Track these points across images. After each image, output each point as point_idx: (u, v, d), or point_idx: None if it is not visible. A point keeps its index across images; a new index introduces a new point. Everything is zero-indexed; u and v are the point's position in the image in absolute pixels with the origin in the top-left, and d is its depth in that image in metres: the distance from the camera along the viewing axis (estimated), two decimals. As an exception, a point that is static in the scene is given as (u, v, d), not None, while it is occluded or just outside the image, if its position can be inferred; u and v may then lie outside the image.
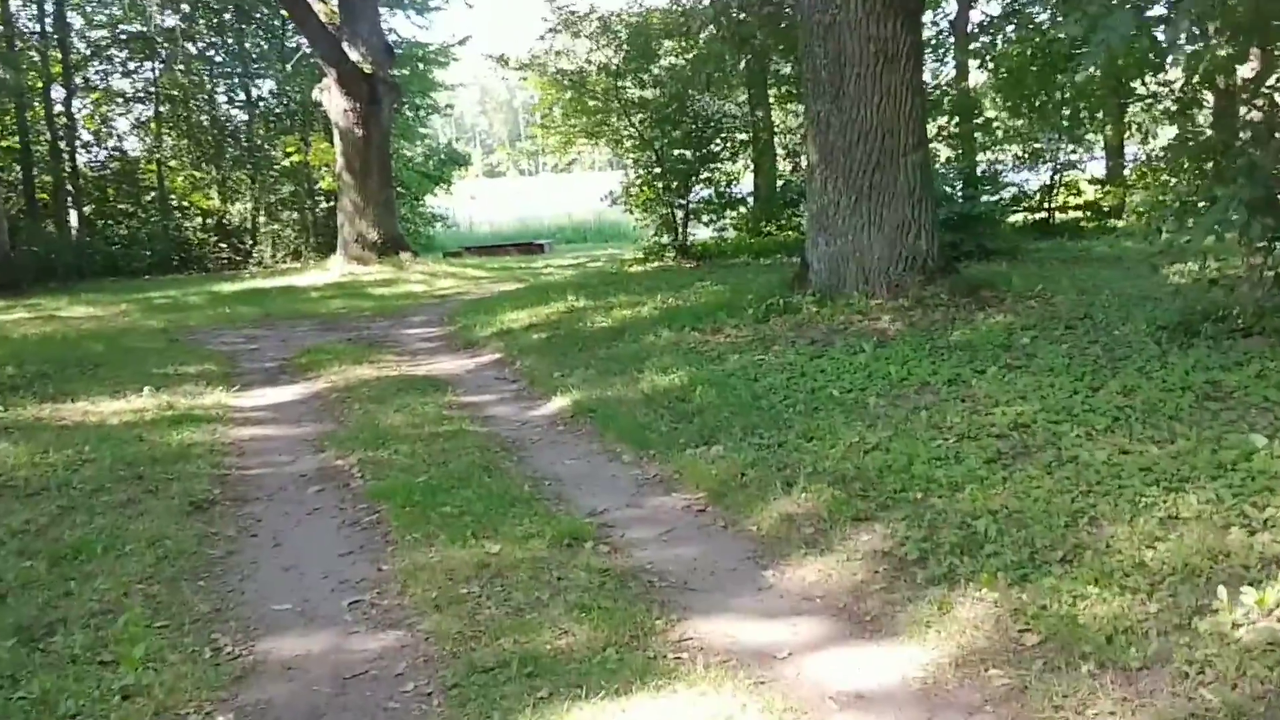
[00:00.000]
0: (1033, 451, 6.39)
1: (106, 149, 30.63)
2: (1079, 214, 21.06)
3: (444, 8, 33.04)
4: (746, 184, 23.62)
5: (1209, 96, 24.16)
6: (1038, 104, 21.13)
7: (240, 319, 17.24)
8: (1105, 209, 22.19)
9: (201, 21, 30.86)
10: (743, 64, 21.54)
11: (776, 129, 22.81)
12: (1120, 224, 21.03)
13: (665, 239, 20.74)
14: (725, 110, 22.04)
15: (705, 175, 20.65)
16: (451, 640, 4.70)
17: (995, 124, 21.07)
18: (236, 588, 5.61)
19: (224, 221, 30.78)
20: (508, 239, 34.09)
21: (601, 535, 5.99)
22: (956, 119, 21.22)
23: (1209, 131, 22.52)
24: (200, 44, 31.22)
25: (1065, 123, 20.28)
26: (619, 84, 19.97)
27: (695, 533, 6.06)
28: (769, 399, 8.22)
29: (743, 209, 22.11)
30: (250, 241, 30.76)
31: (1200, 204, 18.06)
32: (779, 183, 22.41)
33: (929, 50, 21.41)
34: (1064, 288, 11.49)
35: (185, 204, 30.77)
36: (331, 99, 22.81)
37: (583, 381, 9.83)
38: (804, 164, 11.68)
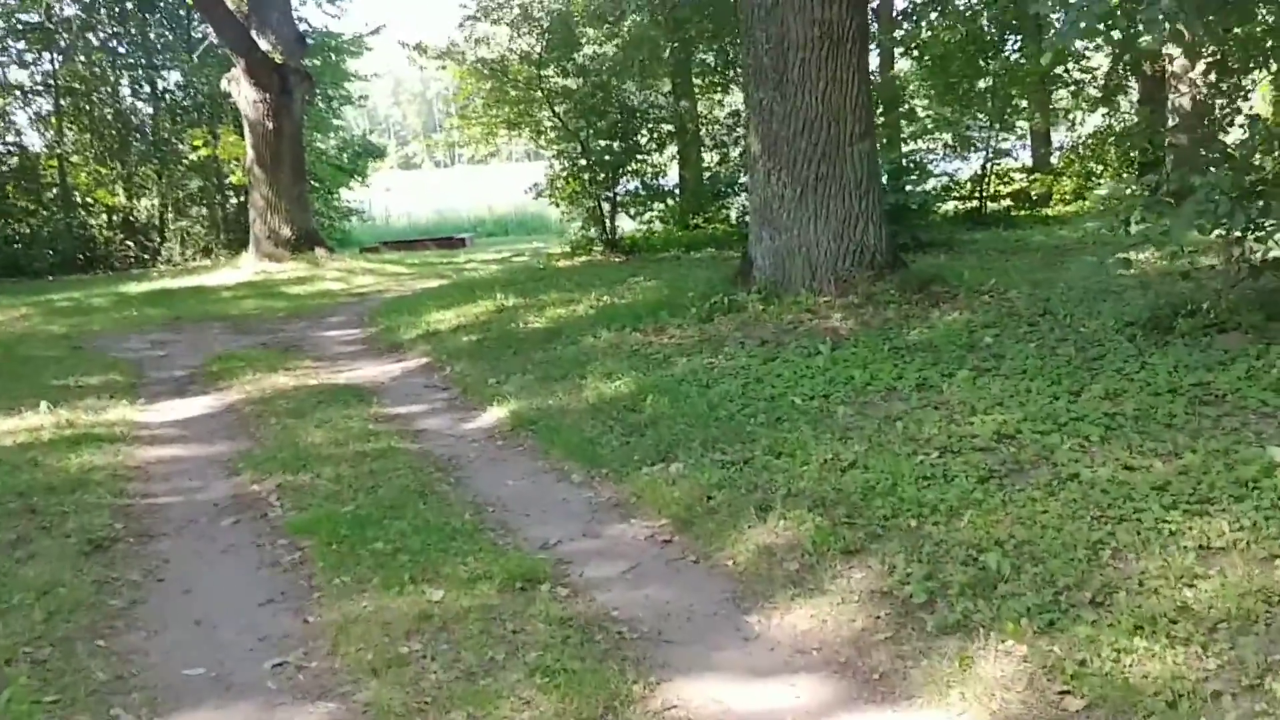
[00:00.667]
0: (1026, 468, 5.80)
1: (4, 144, 29.20)
2: (1008, 203, 20.66)
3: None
4: (672, 176, 22.93)
5: (1133, 83, 24.05)
6: (962, 91, 20.76)
7: (148, 322, 16.26)
8: (1034, 197, 21.87)
9: (103, 10, 29.52)
10: (668, 52, 20.88)
11: (702, 119, 22.08)
12: (1050, 212, 20.71)
13: (592, 232, 20.01)
14: (651, 100, 21.35)
15: (632, 167, 19.94)
16: (393, 715, 3.99)
17: (925, 113, 20.62)
18: (140, 648, 4.83)
19: (130, 218, 29.50)
20: (426, 233, 33.15)
21: (558, 574, 5.31)
22: (882, 108, 20.70)
23: (1135, 118, 22.39)
24: (102, 34, 29.88)
25: (992, 108, 19.88)
26: (541, 73, 19.21)
27: (663, 569, 5.38)
28: (726, 408, 7.57)
29: (670, 201, 21.40)
30: (158, 239, 29.55)
31: (1133, 191, 17.75)
32: (705, 175, 21.71)
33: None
34: (1016, 281, 10.98)
35: (89, 201, 29.38)
36: (241, 90, 21.80)
37: (520, 389, 9.12)
38: (746, 154, 10.95)
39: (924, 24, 22.27)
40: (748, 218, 11.26)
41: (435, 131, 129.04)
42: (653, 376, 8.65)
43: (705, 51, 21.70)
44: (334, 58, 30.73)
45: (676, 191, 22.52)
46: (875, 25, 22.59)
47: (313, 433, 8.37)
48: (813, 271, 10.42)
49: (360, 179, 33.02)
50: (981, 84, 21.70)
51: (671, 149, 21.77)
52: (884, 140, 21.24)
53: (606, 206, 19.86)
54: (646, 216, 21.25)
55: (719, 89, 23.37)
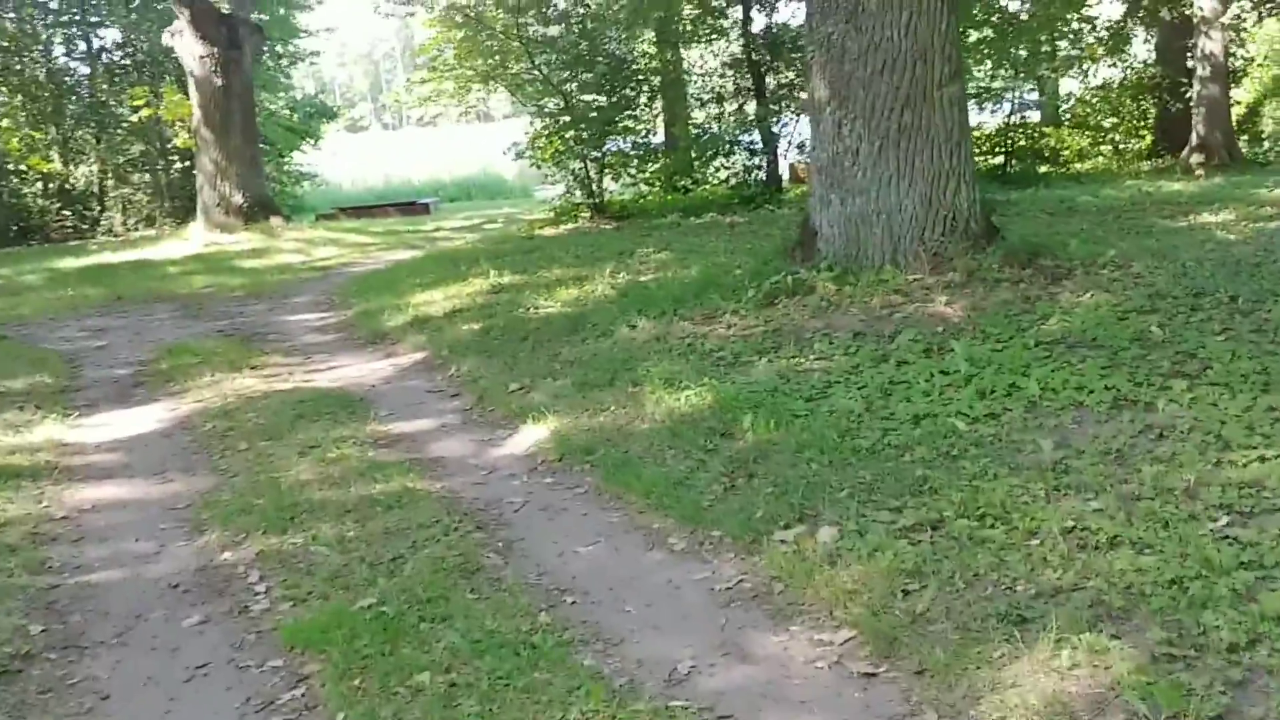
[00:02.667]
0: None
1: (-72, 108, 26.61)
2: (1032, 160, 18.72)
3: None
4: (657, 135, 20.79)
5: (1141, 31, 22.20)
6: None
7: (85, 304, 14.04)
8: (1045, 153, 19.97)
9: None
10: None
11: (693, 71, 19.85)
12: (1082, 167, 18.83)
13: (578, 196, 17.87)
14: (639, 50, 19.21)
15: (623, 124, 17.83)
16: None
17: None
18: None
19: (67, 186, 27.03)
20: (385, 198, 30.81)
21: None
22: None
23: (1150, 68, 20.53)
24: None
25: (1015, 59, 17.93)
26: (520, 20, 17.00)
27: (889, 737, 3.38)
28: (862, 435, 5.55)
29: (664, 161, 19.21)
30: (98, 208, 27.14)
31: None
32: (696, 133, 19.56)
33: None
34: (1129, 251, 9.00)
35: (22, 168, 26.82)
36: (185, 44, 19.42)
37: (556, 399, 7.08)
38: (808, 101, 8.83)
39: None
40: (810, 178, 9.17)
41: (381, 93, 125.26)
42: (732, 385, 6.61)
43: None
44: (282, 11, 28.20)
45: (661, 151, 20.33)
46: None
47: (297, 464, 6.30)
48: (895, 243, 8.40)
49: (313, 141, 30.57)
50: (975, 35, 19.76)
51: (658, 105, 19.60)
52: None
53: (594, 168, 17.69)
54: (634, 180, 19.08)
55: (706, 38, 21.03)
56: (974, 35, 19.44)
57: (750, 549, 4.64)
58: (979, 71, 18.68)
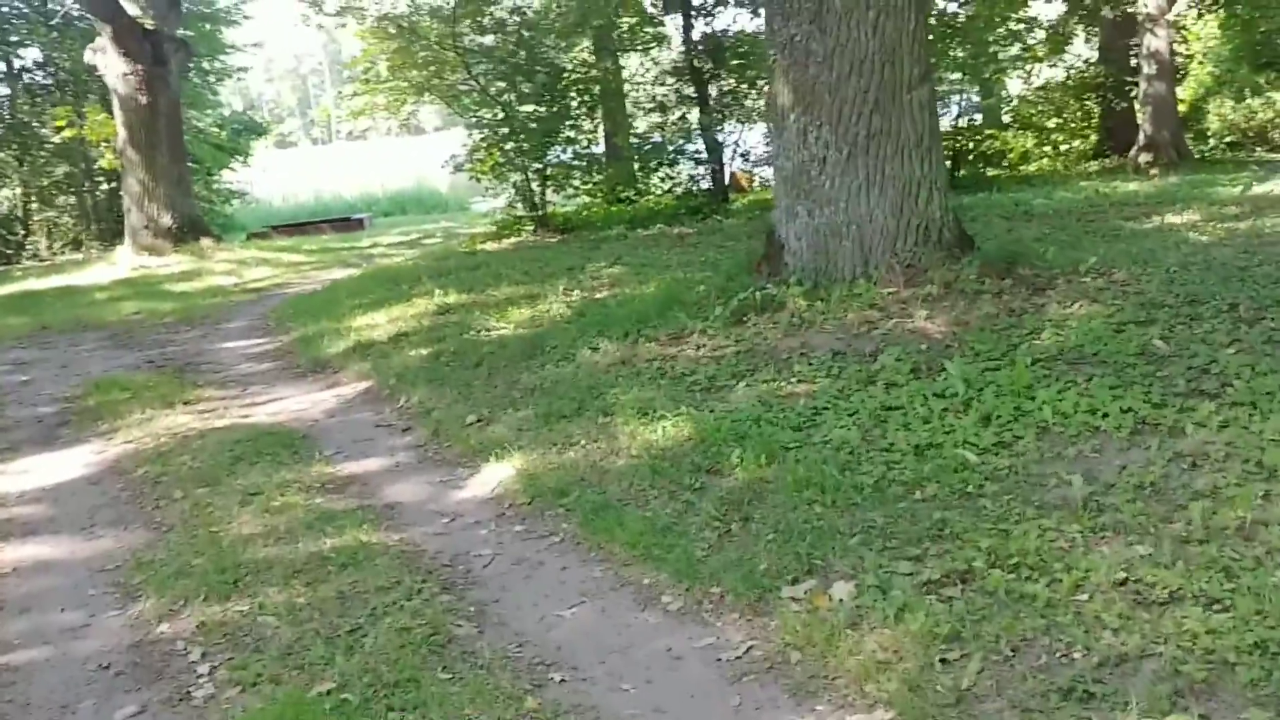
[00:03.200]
0: None
1: None
2: (975, 164, 18.37)
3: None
4: (596, 146, 20.20)
5: (1082, 30, 22.00)
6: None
7: (8, 334, 13.24)
8: (991, 156, 19.64)
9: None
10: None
11: (634, 80, 19.25)
12: (1031, 169, 18.52)
13: (519, 209, 17.27)
14: (577, 59, 18.66)
15: (565, 135, 17.27)
16: None
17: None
18: None
19: (-13, 210, 26.03)
20: (317, 214, 29.95)
21: None
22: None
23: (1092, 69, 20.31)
24: (-54, 9, 26.20)
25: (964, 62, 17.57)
26: (455, 29, 16.37)
27: None
28: (860, 470, 5.04)
29: (603, 172, 18.62)
30: (21, 232, 26.12)
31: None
32: (637, 143, 19.02)
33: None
34: (1109, 257, 8.58)
35: (-60, 193, 25.85)
36: (108, 61, 18.59)
37: (520, 431, 6.51)
38: (769, 108, 8.30)
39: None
40: (775, 187, 8.64)
41: (310, 108, 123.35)
42: (710, 413, 6.08)
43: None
44: (208, 27, 27.31)
45: (602, 161, 19.74)
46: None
47: (239, 515, 5.69)
48: (866, 255, 7.91)
49: (242, 159, 29.66)
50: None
51: (598, 115, 19.04)
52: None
53: (535, 180, 17.11)
54: (570, 190, 18.50)
55: (645, 46, 20.43)
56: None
57: (757, 609, 4.12)
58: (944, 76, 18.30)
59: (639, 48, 19.71)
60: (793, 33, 7.95)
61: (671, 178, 17.81)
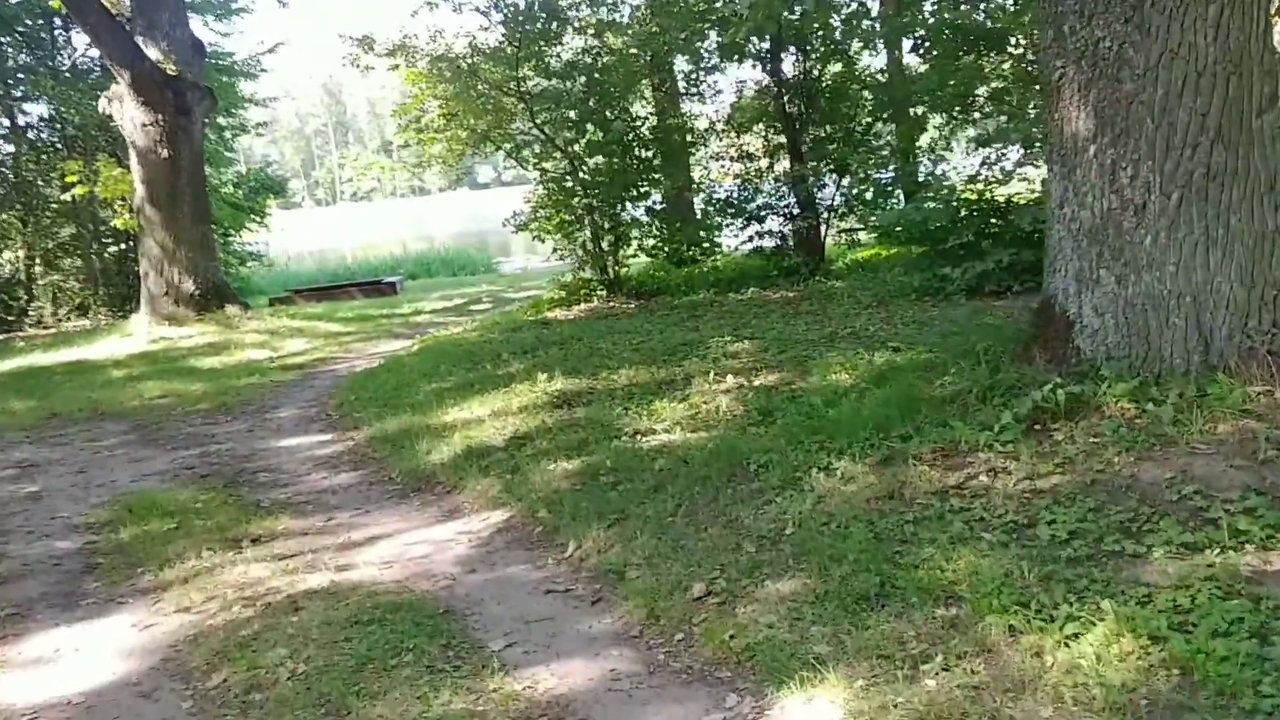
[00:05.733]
0: None
1: None
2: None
3: (251, 10, 25.95)
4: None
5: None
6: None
7: (11, 424, 10.92)
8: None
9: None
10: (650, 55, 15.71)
11: (714, 127, 16.73)
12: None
13: (587, 273, 14.95)
14: (646, 105, 16.42)
15: (642, 189, 15.01)
16: None
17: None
18: None
19: (-11, 274, 23.65)
20: (338, 278, 27.60)
21: None
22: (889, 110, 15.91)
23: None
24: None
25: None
26: (518, 73, 14.12)
27: None
28: None
29: (671, 229, 16.21)
30: (24, 297, 23.71)
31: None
32: (710, 194, 16.63)
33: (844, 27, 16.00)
34: None
35: (-60, 255, 23.49)
36: (126, 111, 16.31)
37: (795, 623, 4.19)
38: (1054, 139, 5.92)
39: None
40: (1053, 243, 6.28)
41: (314, 168, 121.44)
42: (1141, 606, 3.72)
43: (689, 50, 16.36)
44: (225, 79, 25.03)
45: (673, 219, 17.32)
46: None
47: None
48: (1206, 337, 5.61)
49: (259, 219, 27.30)
50: (983, 90, 17.30)
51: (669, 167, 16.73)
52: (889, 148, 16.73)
53: (606, 240, 14.81)
54: (632, 250, 16.10)
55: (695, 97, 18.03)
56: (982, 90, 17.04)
57: None
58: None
59: (699, 94, 17.37)
60: (1098, 36, 5.68)
61: (760, 234, 15.42)
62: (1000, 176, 12.72)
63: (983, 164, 13.56)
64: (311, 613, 4.90)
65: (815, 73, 15.09)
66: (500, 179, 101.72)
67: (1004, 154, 13.95)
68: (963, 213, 11.72)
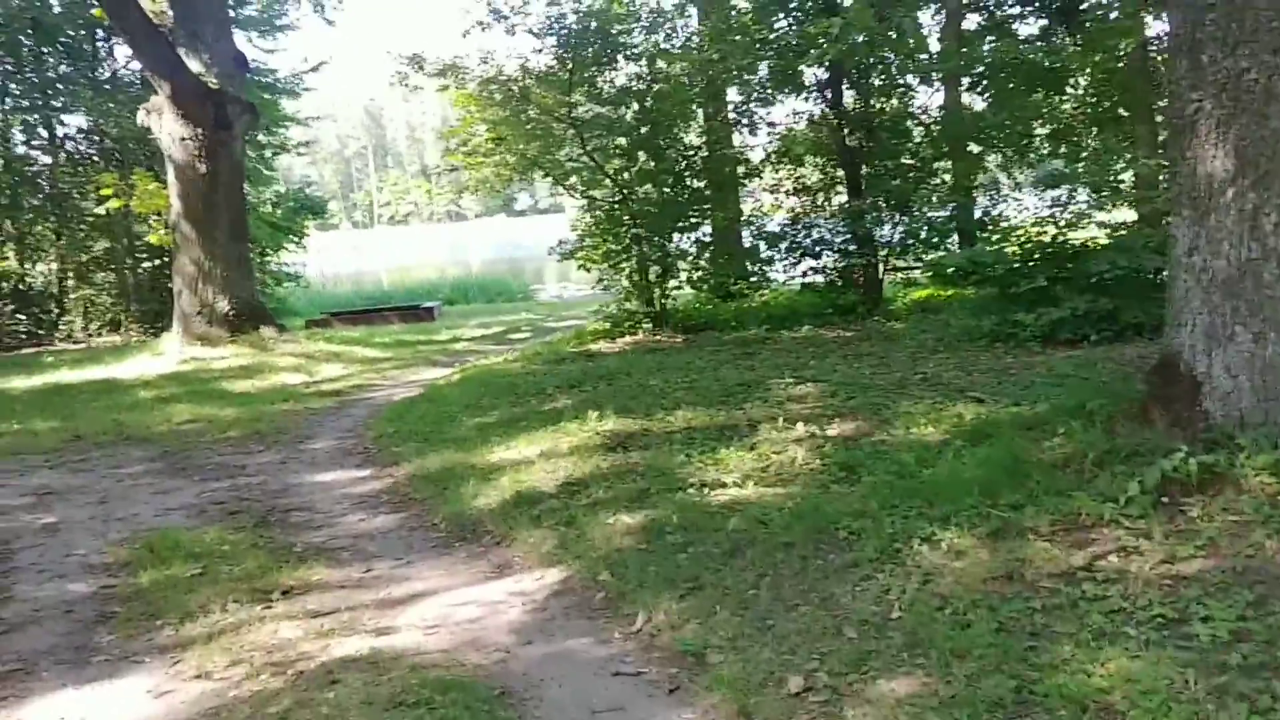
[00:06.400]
0: None
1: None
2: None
3: (296, 27, 25.54)
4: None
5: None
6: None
7: (32, 446, 10.39)
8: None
9: (-11, 42, 23.26)
10: (704, 81, 15.10)
11: (749, 161, 16.10)
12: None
13: (633, 304, 14.36)
14: (696, 134, 15.85)
15: (692, 220, 14.44)
16: None
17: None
18: None
19: (23, 286, 23.26)
20: (375, 301, 27.16)
21: None
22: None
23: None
24: (-12, 70, 23.64)
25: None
26: (571, 98, 13.58)
27: None
28: None
29: (717, 261, 15.59)
30: (56, 310, 23.36)
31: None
32: (763, 228, 15.98)
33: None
34: None
35: (-27, 267, 23.15)
36: (164, 124, 15.87)
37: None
38: (1184, 178, 5.24)
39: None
40: (1176, 292, 5.61)
41: (353, 191, 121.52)
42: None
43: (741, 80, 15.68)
44: (267, 97, 24.64)
45: (710, 249, 16.68)
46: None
47: None
48: (1358, 407, 4.96)
49: (296, 240, 26.88)
50: (1042, 129, 16.73)
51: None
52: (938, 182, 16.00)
53: (654, 271, 14.24)
54: (677, 282, 15.47)
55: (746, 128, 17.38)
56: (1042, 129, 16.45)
57: None
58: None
59: (750, 125, 16.74)
60: (1243, 67, 5.06)
61: (815, 270, 14.80)
62: (1069, 219, 12.03)
63: (1052, 206, 12.90)
64: (349, 688, 4.30)
65: (876, 105, 14.48)
66: (536, 206, 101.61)
67: (1072, 196, 13.32)
68: (1036, 256, 11.07)
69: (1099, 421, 5.70)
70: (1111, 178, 14.04)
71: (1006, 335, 10.68)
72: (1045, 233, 11.50)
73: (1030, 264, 11.07)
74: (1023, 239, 11.39)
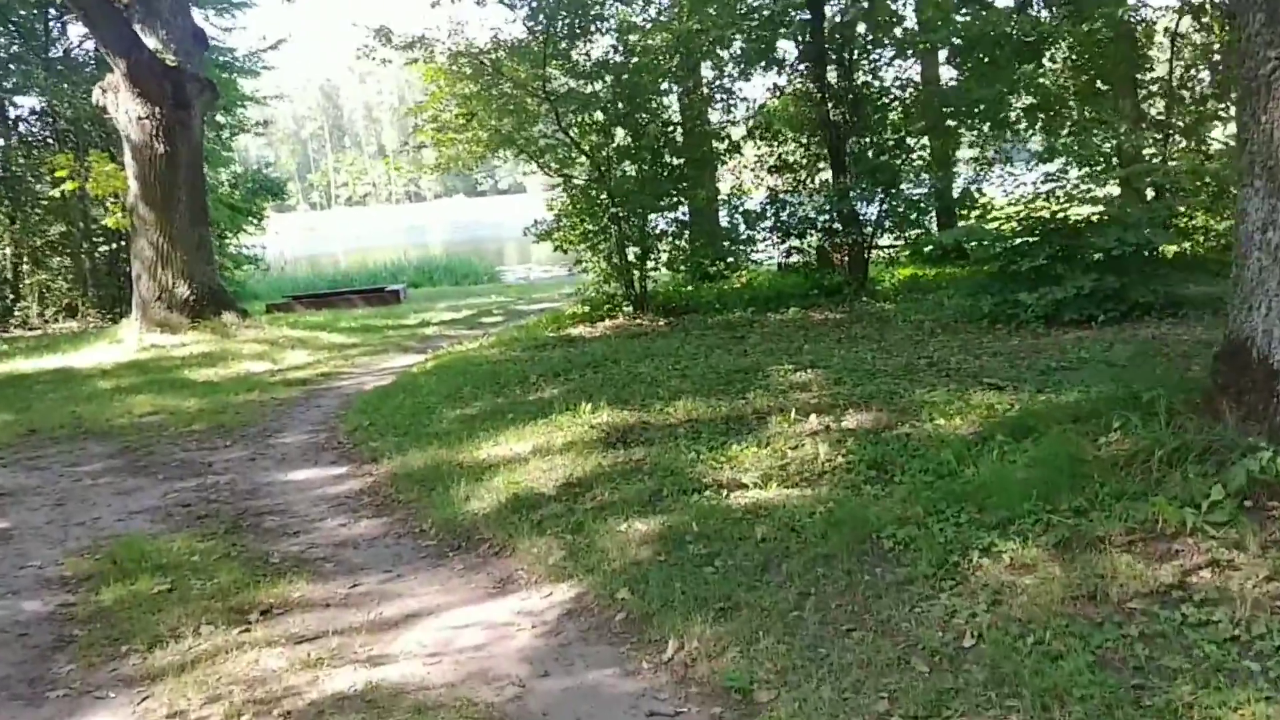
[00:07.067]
0: None
1: None
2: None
3: (254, 4, 24.50)
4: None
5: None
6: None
7: (-17, 442, 9.64)
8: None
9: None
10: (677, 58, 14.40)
11: (729, 138, 15.43)
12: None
13: (612, 286, 13.75)
14: (678, 114, 15.22)
15: (673, 199, 13.83)
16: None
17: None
18: None
19: (-26, 272, 22.35)
20: (336, 285, 26.36)
21: None
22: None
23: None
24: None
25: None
26: (544, 71, 12.91)
27: None
28: None
29: (690, 241, 14.96)
30: (10, 296, 22.42)
31: None
32: (741, 206, 15.35)
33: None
34: None
35: (-75, 252, 22.17)
36: (120, 103, 15.06)
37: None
38: (1257, 151, 4.68)
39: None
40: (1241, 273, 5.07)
41: (310, 172, 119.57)
42: None
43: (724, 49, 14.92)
44: (225, 76, 23.72)
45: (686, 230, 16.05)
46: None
47: None
48: None
49: (256, 221, 26.02)
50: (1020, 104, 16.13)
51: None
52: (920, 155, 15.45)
53: (632, 252, 13.64)
54: (652, 264, 14.84)
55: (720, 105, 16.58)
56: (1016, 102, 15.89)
57: None
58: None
59: (726, 103, 16.06)
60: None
61: (797, 249, 14.26)
62: (1068, 194, 11.48)
63: (1046, 180, 12.38)
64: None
65: (858, 80, 13.91)
66: (496, 186, 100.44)
67: (1065, 171, 12.83)
68: (1038, 231, 10.54)
69: (1156, 414, 5.16)
70: (1095, 152, 13.58)
71: (1007, 316, 10.21)
72: (1043, 208, 10.93)
73: (1031, 241, 10.53)
74: (1020, 214, 10.84)
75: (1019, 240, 10.63)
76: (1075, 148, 12.70)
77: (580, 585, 4.95)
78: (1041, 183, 12.61)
